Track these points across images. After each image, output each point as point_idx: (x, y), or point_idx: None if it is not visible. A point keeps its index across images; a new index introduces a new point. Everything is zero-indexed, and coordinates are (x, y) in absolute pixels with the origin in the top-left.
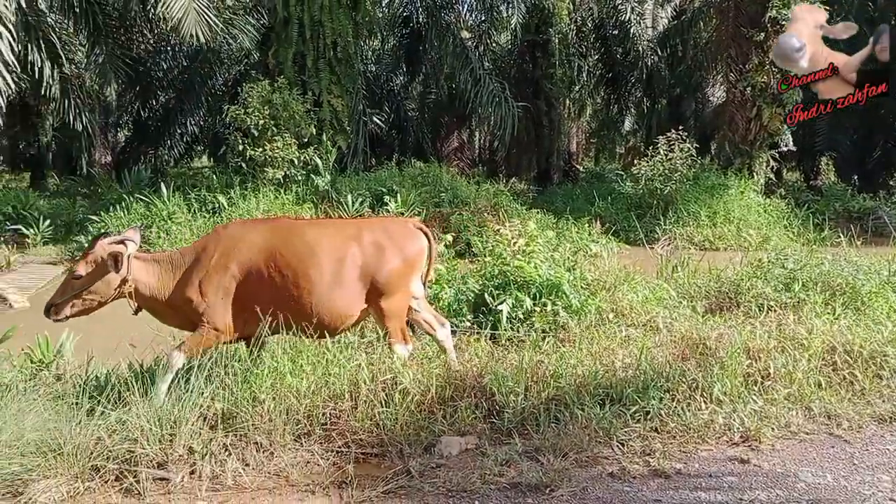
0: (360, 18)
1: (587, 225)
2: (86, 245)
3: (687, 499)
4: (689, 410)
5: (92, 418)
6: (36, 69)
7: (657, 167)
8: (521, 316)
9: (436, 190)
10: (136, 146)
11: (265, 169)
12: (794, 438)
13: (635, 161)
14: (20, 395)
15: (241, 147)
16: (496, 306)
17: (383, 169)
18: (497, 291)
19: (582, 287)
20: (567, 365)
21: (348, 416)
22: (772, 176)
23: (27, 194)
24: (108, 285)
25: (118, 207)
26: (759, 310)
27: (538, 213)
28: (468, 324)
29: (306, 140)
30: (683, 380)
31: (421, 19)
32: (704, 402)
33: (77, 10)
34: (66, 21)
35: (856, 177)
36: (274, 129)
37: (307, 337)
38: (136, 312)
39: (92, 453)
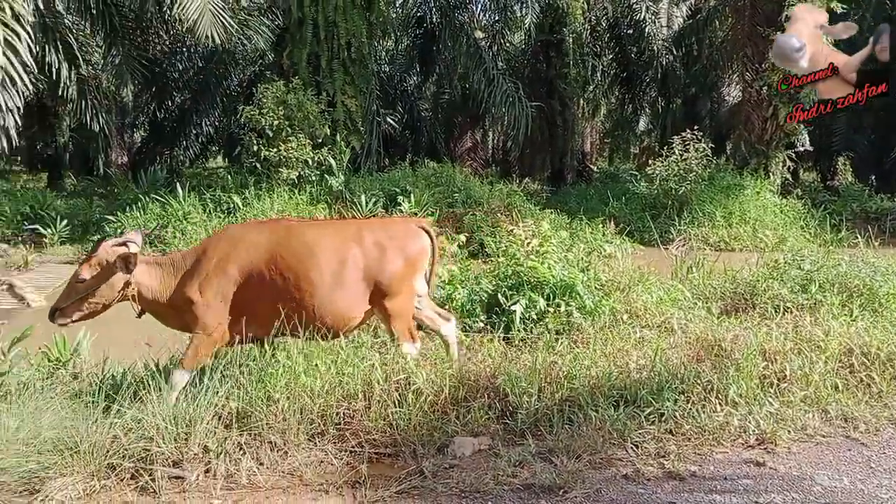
0: (374, 19)
1: (601, 225)
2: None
3: (702, 501)
4: (704, 412)
5: (108, 417)
6: (53, 70)
7: (672, 167)
8: (535, 317)
9: (449, 190)
10: (152, 147)
11: (279, 169)
12: (810, 441)
13: (650, 161)
14: (37, 394)
15: (255, 147)
16: (509, 307)
17: (397, 169)
18: (510, 292)
19: (596, 288)
20: (581, 366)
21: (362, 416)
22: (788, 176)
23: (45, 194)
24: (112, 288)
25: (134, 207)
26: (776, 311)
27: (552, 213)
28: (481, 324)
29: (320, 140)
30: (698, 381)
31: (434, 19)
32: (720, 404)
33: (94, 11)
34: (83, 22)
35: (873, 177)
36: (288, 129)
37: (310, 339)
38: (139, 315)
39: (108, 451)
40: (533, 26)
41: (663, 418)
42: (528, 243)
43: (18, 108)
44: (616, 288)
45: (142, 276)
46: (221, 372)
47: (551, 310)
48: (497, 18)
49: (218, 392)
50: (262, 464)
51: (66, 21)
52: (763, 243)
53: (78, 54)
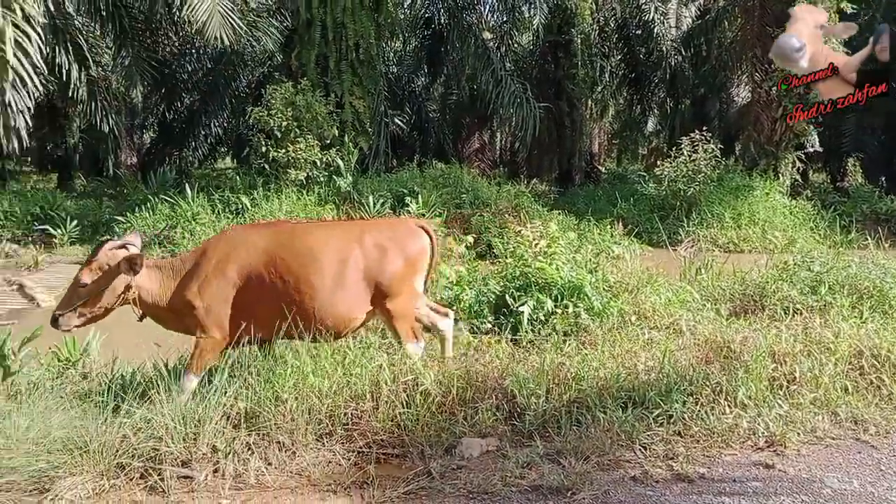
0: (383, 20)
1: (609, 226)
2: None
3: None
4: (712, 414)
5: (117, 416)
6: (63, 72)
7: (680, 168)
8: (543, 318)
9: (457, 191)
10: (161, 148)
11: (288, 170)
12: (819, 444)
13: (658, 162)
14: (47, 394)
15: (264, 148)
16: (517, 308)
17: (404, 170)
18: (518, 293)
19: (604, 289)
20: (589, 367)
21: (370, 417)
22: (798, 177)
23: (54, 195)
24: (114, 292)
25: (144, 208)
26: (785, 313)
27: (560, 214)
28: (489, 325)
29: (328, 141)
30: (707, 383)
31: (443, 20)
32: (729, 406)
33: (104, 13)
34: (92, 24)
35: (883, 178)
36: (297, 130)
37: (312, 340)
38: (140, 319)
39: (117, 451)
40: (541, 27)
41: (672, 420)
42: (536, 244)
43: (29, 109)
44: (624, 289)
45: (142, 280)
46: (230, 372)
47: (559, 311)
48: (505, 19)
49: (226, 392)
50: (270, 464)
51: (76, 22)
52: (772, 245)
53: (88, 56)
